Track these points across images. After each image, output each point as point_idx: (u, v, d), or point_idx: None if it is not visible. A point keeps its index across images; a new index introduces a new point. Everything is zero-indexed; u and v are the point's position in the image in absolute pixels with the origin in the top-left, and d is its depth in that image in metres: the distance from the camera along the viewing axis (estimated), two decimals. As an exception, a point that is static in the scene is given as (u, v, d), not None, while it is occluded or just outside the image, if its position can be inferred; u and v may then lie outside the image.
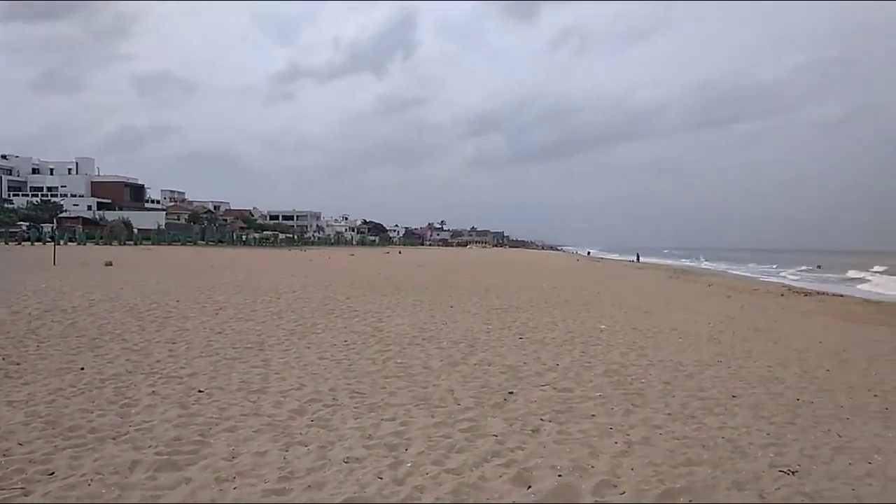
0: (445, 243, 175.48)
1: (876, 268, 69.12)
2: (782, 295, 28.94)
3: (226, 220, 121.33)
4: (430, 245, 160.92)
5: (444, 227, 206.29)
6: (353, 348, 10.71)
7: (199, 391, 7.55)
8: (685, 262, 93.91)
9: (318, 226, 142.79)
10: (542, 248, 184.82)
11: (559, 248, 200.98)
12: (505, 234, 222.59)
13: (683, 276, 44.35)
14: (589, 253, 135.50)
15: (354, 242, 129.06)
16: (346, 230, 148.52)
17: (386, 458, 5.52)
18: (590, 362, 10.13)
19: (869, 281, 50.51)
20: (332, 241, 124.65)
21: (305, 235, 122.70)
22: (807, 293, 31.80)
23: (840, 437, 6.63)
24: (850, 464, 5.77)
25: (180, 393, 7.46)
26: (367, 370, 9.05)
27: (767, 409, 7.66)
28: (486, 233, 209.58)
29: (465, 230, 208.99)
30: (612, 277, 39.83)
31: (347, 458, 5.49)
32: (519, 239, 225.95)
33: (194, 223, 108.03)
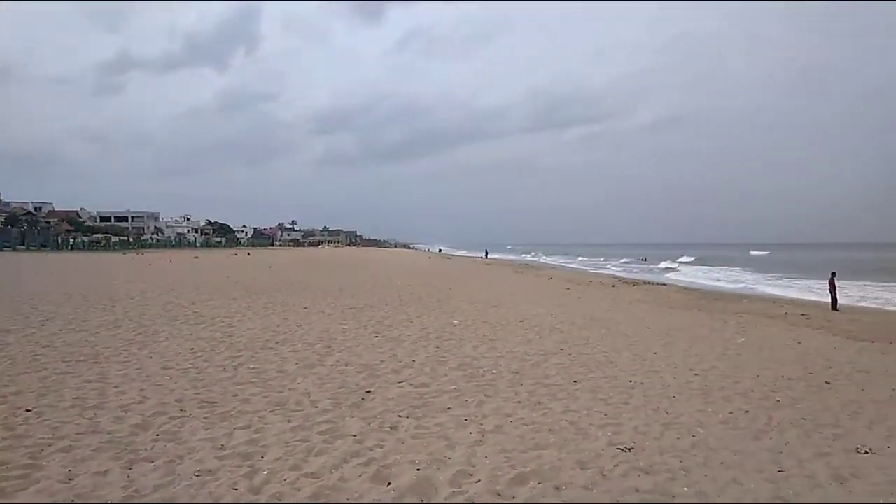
0: (297, 243, 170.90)
1: (683, 258, 78.27)
2: (613, 286, 31.31)
3: (49, 222, 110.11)
4: (280, 245, 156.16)
5: (296, 227, 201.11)
6: (201, 356, 10.21)
7: (27, 410, 6.86)
8: (527, 258, 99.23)
9: (156, 227, 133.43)
10: (395, 247, 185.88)
11: (411, 246, 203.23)
12: (358, 234, 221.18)
13: (527, 271, 46.64)
14: (440, 250, 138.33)
15: (198, 244, 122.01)
16: (188, 231, 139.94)
17: (241, 467, 5.35)
18: (444, 357, 10.41)
19: (678, 270, 57.27)
20: (174, 243, 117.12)
21: (143, 238, 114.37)
22: (635, 283, 34.66)
23: (668, 413, 7.34)
24: (677, 438, 6.42)
25: (4, 413, 6.73)
26: (218, 378, 8.68)
27: (605, 391, 8.32)
28: (338, 232, 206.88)
29: (317, 230, 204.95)
30: (463, 274, 41.00)
31: (199, 471, 5.25)
32: (372, 238, 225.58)
33: (12, 226, 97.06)
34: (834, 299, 23.18)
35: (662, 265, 66.10)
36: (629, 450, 5.97)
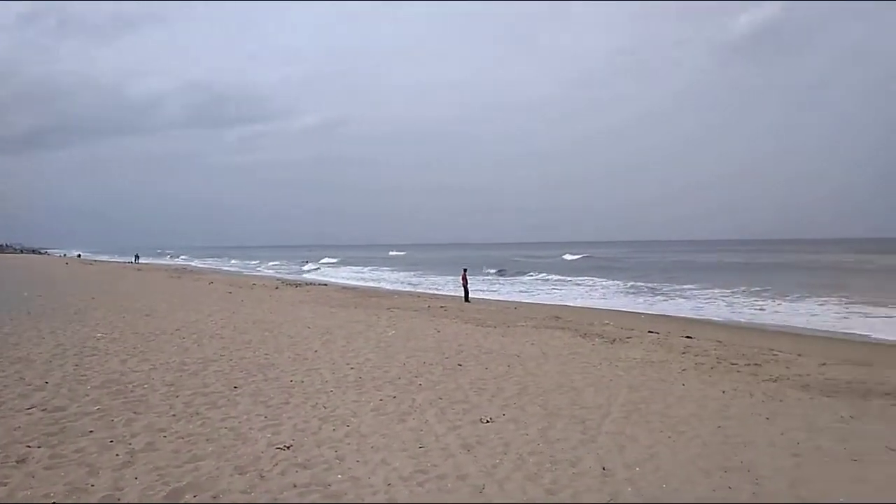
0: None
1: (325, 259, 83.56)
2: (277, 288, 31.42)
3: None
4: None
5: None
6: None
7: None
8: (183, 261, 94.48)
9: None
10: (21, 252, 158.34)
11: (42, 251, 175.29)
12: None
13: (185, 276, 44.01)
14: (79, 255, 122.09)
15: None
16: None
17: None
18: (85, 375, 9.34)
19: (322, 271, 62.01)
20: None
21: None
22: (298, 284, 35.30)
23: (325, 408, 7.74)
24: (333, 430, 6.83)
25: None
26: None
27: (266, 393, 8.40)
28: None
29: None
30: (109, 281, 36.94)
31: None
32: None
33: None
34: (466, 292, 26.69)
35: (308, 266, 69.37)
36: (288, 448, 6.17)
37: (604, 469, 5.80)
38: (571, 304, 26.39)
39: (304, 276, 51.07)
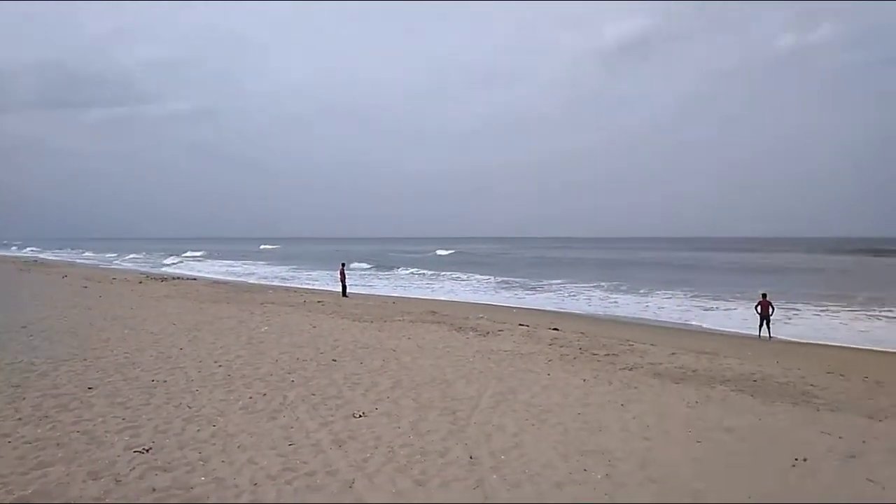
0: None
1: (189, 253, 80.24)
2: (141, 282, 29.66)
3: None
4: None
5: None
6: None
7: None
8: (32, 252, 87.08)
9: None
10: None
11: None
12: None
13: (36, 269, 40.53)
14: None
15: None
16: None
17: None
18: (-89, 379, 8.43)
19: (182, 263, 59.82)
20: None
21: None
22: (163, 279, 33.52)
23: (190, 408, 7.44)
24: (198, 430, 6.58)
25: None
26: None
27: (124, 394, 7.94)
28: None
29: None
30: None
31: None
32: None
33: None
34: (344, 287, 26.43)
35: (171, 260, 65.92)
36: (147, 450, 5.89)
37: (471, 458, 6.00)
38: (447, 299, 26.85)
39: (169, 269, 48.44)
